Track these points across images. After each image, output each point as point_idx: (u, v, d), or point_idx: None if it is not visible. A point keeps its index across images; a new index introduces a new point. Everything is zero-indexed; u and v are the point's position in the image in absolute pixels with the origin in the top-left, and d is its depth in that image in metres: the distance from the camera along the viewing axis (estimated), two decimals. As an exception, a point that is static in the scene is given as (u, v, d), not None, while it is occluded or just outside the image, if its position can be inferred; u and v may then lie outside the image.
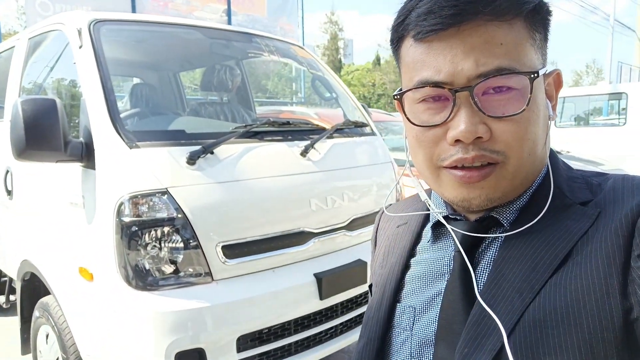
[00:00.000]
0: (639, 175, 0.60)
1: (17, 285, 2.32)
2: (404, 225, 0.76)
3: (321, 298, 1.89)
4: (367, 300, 2.16)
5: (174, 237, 1.64)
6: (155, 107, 2.78)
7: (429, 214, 0.72)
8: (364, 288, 2.10)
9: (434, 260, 0.66)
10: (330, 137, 2.21)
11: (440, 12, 0.54)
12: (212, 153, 1.78)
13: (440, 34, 0.55)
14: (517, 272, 0.55)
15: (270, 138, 2.02)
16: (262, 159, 1.93)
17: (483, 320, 0.55)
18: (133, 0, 5.96)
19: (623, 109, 7.71)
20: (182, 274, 1.66)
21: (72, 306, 1.87)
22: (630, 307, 0.49)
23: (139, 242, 1.62)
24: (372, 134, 2.57)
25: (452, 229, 0.63)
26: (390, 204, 0.86)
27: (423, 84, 0.57)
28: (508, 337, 0.52)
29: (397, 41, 0.62)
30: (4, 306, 3.03)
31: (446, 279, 0.63)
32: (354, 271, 2.04)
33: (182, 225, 1.65)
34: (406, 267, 0.70)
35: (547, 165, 0.62)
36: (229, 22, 6.69)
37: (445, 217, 0.66)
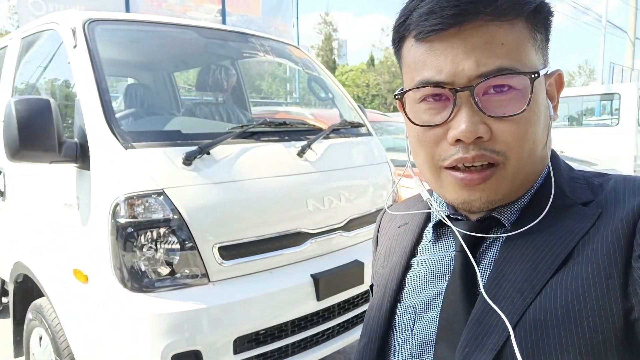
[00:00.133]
0: None
1: (10, 288, 2.29)
2: (405, 225, 0.76)
3: (318, 299, 1.89)
4: (364, 301, 2.17)
5: (170, 238, 1.63)
6: (150, 107, 2.77)
7: (430, 215, 0.72)
8: (361, 289, 2.09)
9: (435, 260, 0.66)
10: (327, 137, 2.21)
11: (442, 12, 0.54)
12: (208, 153, 1.77)
13: (442, 34, 0.55)
14: (518, 272, 0.55)
15: (267, 138, 2.01)
16: (259, 159, 1.92)
17: (484, 319, 0.55)
18: (127, 0, 5.92)
19: (616, 109, 7.77)
20: (178, 275, 1.64)
21: (66, 308, 1.85)
22: (631, 307, 0.49)
23: (135, 244, 1.60)
24: (369, 134, 2.57)
25: (456, 229, 0.63)
26: (392, 204, 0.86)
27: (424, 84, 0.57)
28: (508, 337, 0.52)
29: (398, 41, 0.63)
30: (-3, 308, 2.99)
31: (447, 279, 0.63)
32: (351, 272, 2.04)
33: (178, 227, 1.64)
34: (407, 267, 0.70)
35: (549, 166, 0.62)
36: (224, 23, 6.67)
37: (446, 217, 0.66)
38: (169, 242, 1.63)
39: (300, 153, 2.03)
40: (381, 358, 0.67)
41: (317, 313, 1.92)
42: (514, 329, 0.52)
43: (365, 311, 2.12)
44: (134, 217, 1.60)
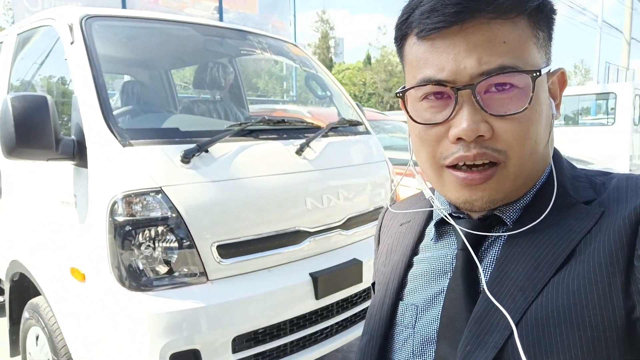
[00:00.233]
0: None
1: (6, 286, 2.27)
2: (407, 223, 0.76)
3: (317, 298, 1.88)
4: (362, 300, 2.16)
5: (168, 237, 1.62)
6: (148, 104, 2.75)
7: (432, 213, 0.72)
8: (359, 287, 2.09)
9: (436, 258, 0.66)
10: (325, 135, 2.20)
11: (444, 10, 0.54)
12: (206, 151, 1.76)
13: (443, 31, 0.55)
14: (520, 271, 0.55)
15: (265, 136, 2.00)
16: (258, 157, 1.91)
17: (486, 317, 0.55)
18: (123, -4, 5.88)
19: (612, 108, 7.81)
20: (176, 274, 1.63)
21: (63, 307, 1.83)
22: (633, 306, 0.49)
23: (133, 242, 1.59)
24: (367, 132, 2.56)
25: (458, 228, 0.63)
26: (394, 202, 0.86)
27: (425, 82, 0.57)
28: (510, 335, 0.52)
29: (400, 39, 0.62)
30: (-8, 307, 2.96)
31: (449, 277, 0.63)
32: (350, 270, 2.03)
33: (176, 225, 1.63)
34: (409, 265, 0.70)
35: (551, 164, 0.62)
36: (221, 20, 6.65)
37: (448, 215, 0.65)
38: (167, 240, 1.62)
39: (299, 151, 2.02)
40: (383, 356, 0.67)
41: (315, 312, 1.92)
42: (516, 327, 0.52)
43: (364, 309, 2.13)
44: (132, 215, 1.59)
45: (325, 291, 1.91)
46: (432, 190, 0.71)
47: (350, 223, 2.17)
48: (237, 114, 2.90)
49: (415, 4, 0.58)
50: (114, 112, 1.81)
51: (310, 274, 1.89)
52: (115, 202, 1.59)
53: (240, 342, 1.69)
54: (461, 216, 0.64)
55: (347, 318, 2.09)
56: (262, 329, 1.74)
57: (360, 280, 2.07)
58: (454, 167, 0.58)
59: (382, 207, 2.41)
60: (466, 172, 0.57)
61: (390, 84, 24.30)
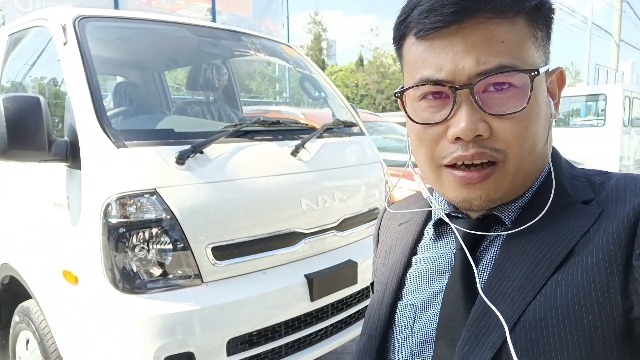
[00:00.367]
0: None
1: (-4, 289, 2.24)
2: (406, 223, 0.77)
3: (312, 299, 1.88)
4: (357, 301, 2.16)
5: (162, 239, 1.61)
6: (141, 105, 2.73)
7: (431, 213, 0.73)
8: (354, 289, 2.09)
9: (435, 258, 0.67)
10: (320, 136, 2.20)
11: (442, 10, 0.54)
12: (201, 153, 1.75)
13: (442, 31, 0.55)
14: (519, 270, 0.55)
15: (260, 137, 2.00)
16: (253, 158, 1.90)
17: (484, 317, 0.55)
18: (115, -3, 5.85)
19: (602, 110, 7.89)
20: (171, 276, 1.62)
21: (55, 310, 1.81)
22: (632, 305, 0.49)
23: (127, 244, 1.58)
24: (361, 133, 2.57)
25: (454, 227, 0.63)
26: (393, 202, 0.86)
27: (424, 82, 0.57)
28: (509, 334, 0.52)
29: (399, 39, 0.62)
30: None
31: (447, 277, 0.63)
32: (345, 272, 2.03)
33: (171, 227, 1.61)
34: (408, 264, 0.70)
35: (550, 164, 0.62)
36: (214, 21, 6.63)
37: (447, 215, 0.66)
38: (161, 242, 1.61)
39: (294, 152, 2.01)
40: (381, 355, 0.67)
41: (310, 313, 1.91)
42: (514, 327, 0.52)
43: (358, 311, 2.13)
44: (125, 217, 1.58)
45: (320, 293, 1.91)
46: (431, 190, 0.71)
47: (345, 224, 2.17)
48: (231, 116, 2.89)
49: (414, 4, 0.58)
50: (108, 113, 1.79)
51: (305, 276, 1.88)
52: (109, 204, 1.57)
53: (235, 345, 1.68)
54: (460, 216, 0.64)
55: (342, 319, 2.08)
56: (257, 331, 1.73)
57: (355, 282, 2.07)
58: (453, 166, 0.58)
59: (376, 209, 2.41)
60: (464, 170, 0.57)
61: (383, 85, 24.34)
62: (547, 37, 0.59)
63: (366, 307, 2.14)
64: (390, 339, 0.67)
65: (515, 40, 0.54)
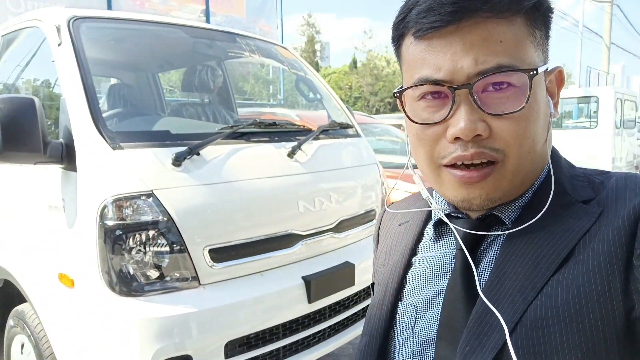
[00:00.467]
0: None
1: (-10, 293, 2.21)
2: (406, 223, 0.76)
3: (310, 301, 1.87)
4: (354, 303, 2.16)
5: (159, 241, 1.60)
6: (136, 107, 2.72)
7: (431, 213, 0.72)
8: (351, 291, 2.09)
9: (436, 258, 0.66)
10: (317, 138, 2.20)
11: (440, 10, 0.54)
12: (198, 154, 1.74)
13: (440, 31, 0.55)
14: (519, 271, 0.55)
15: (257, 139, 1.99)
16: (250, 160, 1.90)
17: (485, 318, 0.55)
18: (108, -2, 5.82)
19: (594, 112, 7.95)
20: (168, 278, 1.61)
21: (50, 314, 1.79)
22: (632, 305, 0.49)
23: (123, 247, 1.56)
24: (357, 135, 2.57)
25: (454, 227, 0.63)
26: (392, 202, 0.86)
27: (423, 82, 0.57)
28: (510, 335, 0.51)
29: (397, 39, 0.62)
30: (-26, 315, 2.88)
31: (448, 277, 0.63)
32: (342, 273, 2.03)
33: (168, 229, 1.60)
34: (408, 265, 0.70)
35: (549, 163, 0.62)
36: (207, 23, 6.61)
37: (447, 215, 0.66)
38: (158, 244, 1.59)
39: (291, 154, 2.01)
40: (382, 356, 0.67)
41: (308, 315, 1.91)
42: (515, 327, 0.52)
43: (356, 313, 2.12)
44: (122, 219, 1.57)
45: (318, 295, 1.90)
46: (431, 190, 0.71)
47: (342, 226, 2.17)
48: (226, 117, 2.88)
49: (412, 3, 0.58)
50: (103, 115, 1.78)
51: (303, 278, 1.88)
52: (105, 206, 1.56)
53: (232, 347, 1.67)
54: (460, 216, 0.64)
55: (339, 321, 2.08)
56: (254, 333, 1.72)
57: (352, 283, 2.07)
58: (452, 166, 0.58)
59: (373, 210, 2.41)
60: (464, 170, 0.57)
61: (376, 87, 24.41)
62: (546, 36, 0.59)
63: (364, 308, 2.15)
64: (391, 339, 0.67)
65: (514, 40, 0.54)
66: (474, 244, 0.61)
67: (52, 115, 2.02)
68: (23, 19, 2.22)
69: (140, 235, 1.58)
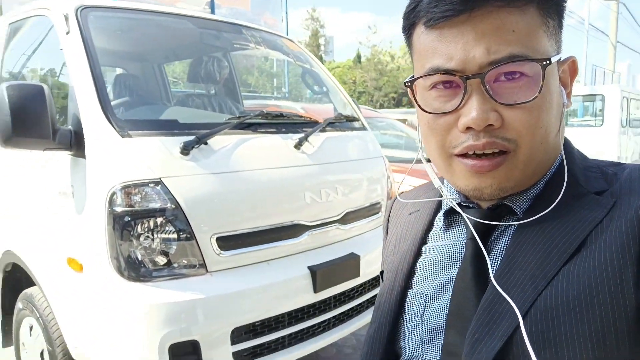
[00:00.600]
0: None
1: (-2, 277, 2.24)
2: (416, 212, 0.76)
3: (315, 291, 1.89)
4: (359, 294, 2.17)
5: (167, 228, 1.61)
6: (142, 97, 2.72)
7: (442, 202, 0.72)
8: (356, 282, 2.10)
9: (446, 247, 0.66)
10: (323, 130, 2.20)
11: None
12: (206, 144, 1.75)
13: (452, 20, 0.54)
14: (530, 260, 0.55)
15: (264, 130, 2.00)
16: (257, 150, 1.90)
17: (494, 306, 0.55)
18: (113, -11, 5.80)
19: (600, 110, 7.91)
20: (175, 265, 1.62)
21: (59, 297, 1.81)
22: None
23: (132, 233, 1.58)
24: (363, 128, 2.57)
25: (466, 216, 0.62)
26: (403, 192, 0.86)
27: (434, 72, 0.56)
28: (518, 324, 0.51)
29: (408, 28, 0.62)
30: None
31: (458, 266, 0.63)
32: (348, 264, 2.04)
33: (176, 216, 1.62)
34: (418, 254, 0.70)
35: (562, 154, 0.61)
36: (213, 14, 6.58)
37: (457, 205, 0.65)
38: (166, 231, 1.61)
39: (298, 145, 2.02)
40: (391, 343, 0.67)
41: (313, 305, 1.92)
42: (524, 317, 0.52)
43: (360, 304, 2.14)
44: (130, 205, 1.58)
45: (324, 285, 1.92)
46: (442, 180, 0.71)
47: (347, 218, 2.18)
48: (232, 109, 2.88)
49: None
50: (112, 103, 1.79)
51: (309, 268, 1.89)
52: (114, 193, 1.57)
53: (239, 334, 1.68)
54: (470, 206, 0.64)
55: (344, 312, 2.09)
56: (261, 321, 1.74)
57: (357, 275, 2.08)
58: (464, 155, 0.57)
59: (378, 203, 2.42)
60: (475, 159, 0.56)
61: (381, 82, 24.35)
62: (559, 26, 0.59)
63: (368, 300, 2.16)
64: (400, 327, 0.67)
65: (526, 29, 0.54)
66: (485, 234, 0.61)
67: (58, 102, 2.03)
68: (31, 7, 2.22)
69: (149, 222, 1.59)
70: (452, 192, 0.68)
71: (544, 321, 0.51)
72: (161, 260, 1.60)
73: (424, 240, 0.71)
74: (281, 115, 2.17)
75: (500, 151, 0.56)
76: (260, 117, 2.04)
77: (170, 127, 1.79)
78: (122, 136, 1.65)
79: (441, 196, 0.70)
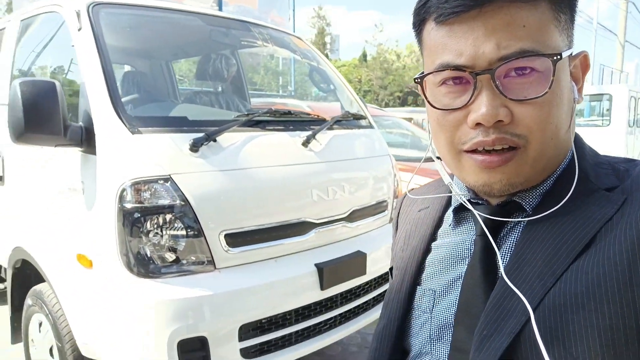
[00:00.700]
0: None
1: (8, 273, 2.26)
2: (425, 209, 0.76)
3: (322, 288, 1.89)
4: (365, 292, 2.18)
5: (176, 225, 1.62)
6: (151, 94, 2.73)
7: (451, 199, 0.72)
8: (362, 279, 2.11)
9: (455, 244, 0.66)
10: (330, 128, 2.21)
11: None
12: (215, 141, 1.76)
13: (462, 16, 0.54)
14: (539, 257, 0.55)
15: (272, 127, 2.01)
16: (265, 148, 1.91)
17: (503, 303, 0.55)
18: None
19: (607, 110, 7.87)
20: (184, 261, 1.64)
21: (68, 293, 1.83)
22: None
23: (141, 229, 1.59)
24: (370, 126, 2.57)
25: (476, 212, 0.62)
26: (413, 188, 0.86)
27: (444, 67, 0.56)
28: (527, 321, 0.51)
29: (419, 24, 0.62)
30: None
31: (467, 262, 0.63)
32: (354, 262, 2.05)
33: (185, 213, 1.63)
34: (427, 250, 0.70)
35: (572, 150, 0.61)
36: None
37: (467, 201, 0.65)
38: (175, 228, 1.62)
39: (305, 143, 2.02)
40: (400, 340, 0.67)
41: (320, 302, 1.93)
42: (533, 313, 0.51)
43: (366, 302, 2.14)
44: (140, 202, 1.59)
45: (330, 282, 1.92)
46: (451, 177, 0.70)
47: (354, 215, 2.18)
48: (239, 107, 2.89)
49: None
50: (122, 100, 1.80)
51: (316, 265, 1.90)
52: (124, 189, 1.59)
53: (246, 331, 1.70)
54: (480, 202, 0.64)
55: (350, 309, 2.10)
56: (268, 318, 1.75)
57: (364, 272, 2.09)
58: (473, 151, 0.57)
59: (384, 201, 2.43)
60: (485, 154, 0.56)
61: (386, 81, 24.30)
62: (571, 20, 0.58)
63: (374, 297, 2.15)
64: (409, 323, 0.67)
65: (537, 24, 0.53)
66: (494, 231, 0.61)
67: (69, 99, 2.05)
68: (43, 4, 2.24)
69: (158, 218, 1.61)
70: (462, 188, 0.68)
71: (552, 318, 0.51)
72: (170, 256, 1.62)
73: (433, 237, 0.71)
74: (289, 112, 2.17)
75: (510, 147, 0.55)
76: (268, 114, 2.05)
77: (179, 124, 1.80)
78: (133, 133, 1.67)
79: (451, 193, 0.70)
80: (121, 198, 1.59)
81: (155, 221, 1.60)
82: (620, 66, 18.47)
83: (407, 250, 0.73)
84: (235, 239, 1.73)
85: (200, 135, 1.73)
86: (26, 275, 2.17)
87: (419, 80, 0.61)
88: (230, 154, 1.79)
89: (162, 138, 1.69)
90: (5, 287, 2.33)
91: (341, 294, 2.03)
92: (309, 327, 1.91)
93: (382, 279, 2.25)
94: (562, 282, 0.52)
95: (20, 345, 2.27)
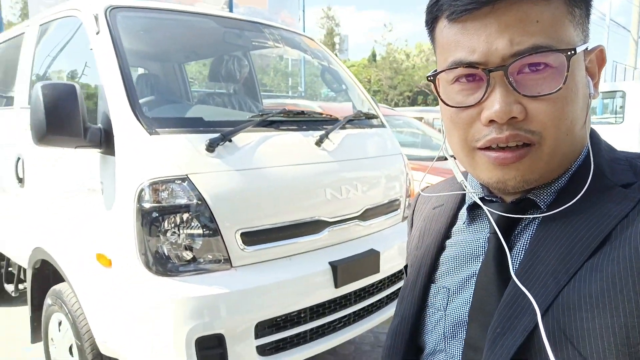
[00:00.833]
0: None
1: (28, 274, 2.31)
2: (440, 207, 0.76)
3: (336, 286, 1.91)
4: (378, 290, 2.19)
5: (194, 224, 1.65)
6: (165, 96, 2.77)
7: (465, 196, 0.72)
8: (376, 278, 2.12)
9: (469, 241, 0.66)
10: (343, 127, 2.22)
11: None
12: (230, 141, 1.79)
13: (474, 13, 0.54)
14: (553, 255, 0.54)
15: (285, 127, 2.03)
16: (279, 147, 1.94)
17: (516, 301, 0.54)
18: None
19: (620, 107, 7.77)
20: (201, 260, 1.66)
21: (88, 293, 1.86)
22: None
23: (160, 229, 1.62)
24: (382, 125, 2.59)
25: (487, 210, 0.62)
26: (427, 186, 0.87)
27: (457, 65, 0.56)
28: (541, 318, 0.51)
29: (431, 22, 0.61)
30: (13, 295, 3.00)
31: (481, 260, 0.63)
32: (368, 260, 2.06)
33: (202, 212, 1.65)
34: (441, 248, 0.70)
35: (588, 146, 0.60)
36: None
37: (481, 199, 0.64)
38: (193, 227, 1.65)
39: (318, 142, 2.04)
40: (414, 337, 0.68)
41: (334, 300, 1.95)
42: (546, 311, 0.51)
43: (380, 300, 2.15)
44: (158, 202, 1.62)
45: (345, 280, 1.94)
46: (465, 174, 0.70)
47: (367, 214, 2.20)
48: (252, 108, 2.92)
49: None
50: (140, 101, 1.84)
51: (330, 263, 1.92)
52: (142, 189, 1.62)
53: (262, 328, 1.72)
54: (494, 200, 0.63)
55: (363, 308, 2.11)
56: (283, 315, 1.77)
57: (377, 271, 2.10)
58: (487, 148, 0.57)
59: (397, 200, 2.44)
60: (499, 151, 0.56)
61: (396, 81, 24.27)
62: (586, 14, 0.57)
63: (387, 296, 2.16)
64: (423, 321, 0.67)
65: (551, 20, 0.53)
66: (508, 228, 0.60)
67: (86, 101, 2.09)
68: (61, 9, 2.29)
69: (176, 217, 1.63)
70: (476, 186, 0.68)
71: (566, 317, 0.50)
72: (187, 255, 1.64)
73: (447, 235, 0.71)
74: (302, 112, 2.19)
75: (524, 143, 0.55)
76: (282, 114, 2.07)
77: (196, 125, 1.83)
78: (150, 134, 1.70)
79: (465, 190, 0.70)
80: (140, 198, 1.62)
81: (173, 220, 1.63)
82: (634, 63, 18.23)
83: (422, 248, 0.73)
84: (251, 238, 1.76)
85: (216, 135, 1.75)
86: (45, 275, 2.22)
87: (431, 78, 0.61)
88: (245, 154, 1.82)
89: (179, 139, 1.72)
90: (25, 287, 2.38)
91: (355, 292, 2.04)
92: (324, 324, 1.93)
93: (395, 277, 2.26)
94: (575, 280, 0.51)
95: (40, 344, 2.32)
